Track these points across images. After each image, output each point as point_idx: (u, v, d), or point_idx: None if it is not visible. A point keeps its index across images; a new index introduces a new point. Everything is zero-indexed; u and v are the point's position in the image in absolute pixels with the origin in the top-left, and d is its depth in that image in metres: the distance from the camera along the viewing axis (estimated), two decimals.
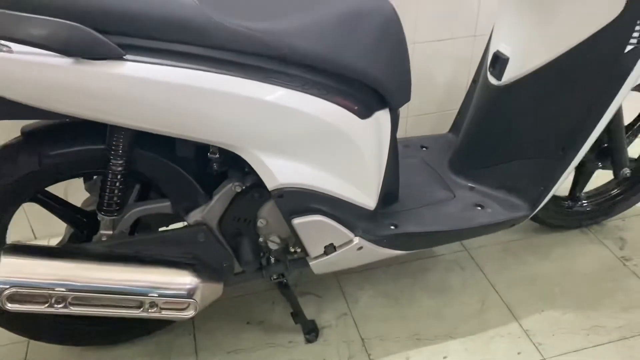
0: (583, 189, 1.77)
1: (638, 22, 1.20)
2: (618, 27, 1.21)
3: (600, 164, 1.67)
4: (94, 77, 0.93)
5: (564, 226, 1.83)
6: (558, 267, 1.71)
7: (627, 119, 1.67)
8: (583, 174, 1.72)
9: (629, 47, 1.23)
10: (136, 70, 0.95)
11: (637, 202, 1.82)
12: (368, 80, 1.15)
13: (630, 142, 1.68)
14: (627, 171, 1.61)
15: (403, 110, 1.93)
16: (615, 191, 1.81)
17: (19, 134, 1.13)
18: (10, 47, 0.89)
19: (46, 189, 1.23)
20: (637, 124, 1.67)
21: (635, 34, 1.22)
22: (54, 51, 0.90)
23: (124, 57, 0.94)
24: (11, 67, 0.89)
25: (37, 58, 0.90)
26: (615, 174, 1.64)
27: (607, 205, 1.81)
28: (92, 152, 1.13)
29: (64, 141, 1.13)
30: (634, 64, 1.25)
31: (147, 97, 0.97)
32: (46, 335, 1.36)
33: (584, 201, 1.80)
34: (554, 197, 1.75)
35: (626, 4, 1.17)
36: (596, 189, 1.82)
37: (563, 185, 1.68)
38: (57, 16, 0.89)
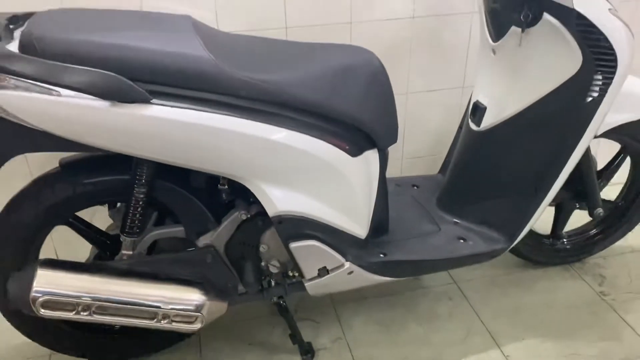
0: (563, 227, 1.91)
1: (595, 77, 1.37)
2: (577, 81, 1.38)
3: (577, 205, 1.82)
4: (126, 117, 1.11)
5: (547, 262, 1.96)
6: (540, 299, 1.83)
7: (601, 164, 1.84)
8: (562, 213, 1.86)
9: (588, 99, 1.40)
10: (161, 112, 1.13)
11: (614, 242, 1.95)
12: (358, 124, 1.33)
13: (604, 185, 1.83)
14: (600, 211, 1.76)
15: (399, 152, 2.12)
16: (593, 231, 1.95)
17: (57, 165, 1.33)
18: (59, 92, 1.08)
19: (76, 213, 1.40)
20: (609, 169, 1.83)
21: (594, 87, 1.39)
22: (95, 95, 1.08)
23: (151, 101, 1.13)
24: (60, 108, 1.08)
25: (80, 101, 1.08)
26: (590, 213, 1.79)
27: (586, 244, 1.95)
28: (118, 182, 1.32)
29: (95, 172, 1.31)
30: (594, 113, 1.41)
31: (169, 135, 1.15)
32: (67, 347, 1.51)
33: (564, 239, 1.93)
34: (537, 235, 1.90)
35: (582, 62, 1.35)
36: (576, 229, 1.96)
37: (546, 224, 1.84)
38: (97, 67, 1.09)
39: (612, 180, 1.86)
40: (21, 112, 1.08)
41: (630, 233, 2.00)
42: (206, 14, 1.72)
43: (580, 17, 1.30)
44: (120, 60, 1.11)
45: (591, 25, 1.31)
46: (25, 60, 1.07)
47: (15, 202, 1.29)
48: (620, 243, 1.99)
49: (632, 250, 2.05)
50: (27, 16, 1.22)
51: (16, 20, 1.21)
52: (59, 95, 1.08)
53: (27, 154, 1.56)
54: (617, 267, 1.97)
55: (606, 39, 1.32)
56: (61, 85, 1.07)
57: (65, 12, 1.27)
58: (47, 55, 1.08)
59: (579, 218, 1.91)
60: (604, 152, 1.87)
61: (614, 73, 1.37)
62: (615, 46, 1.33)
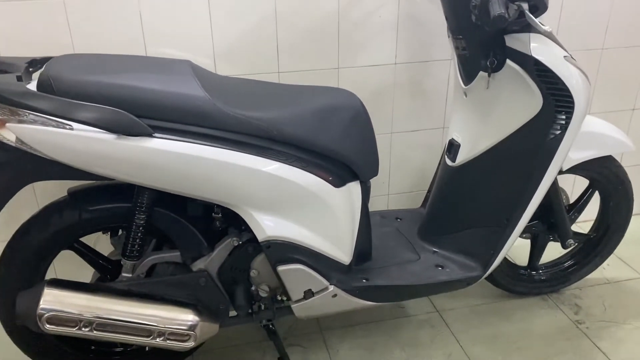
0: (539, 259, 2.01)
1: (555, 116, 1.51)
2: (539, 120, 1.52)
3: (551, 237, 1.94)
4: (130, 148, 1.24)
5: (525, 293, 2.06)
6: (518, 327, 1.92)
7: (573, 198, 1.97)
8: (537, 245, 1.98)
9: (550, 136, 1.54)
10: (161, 145, 1.27)
11: (588, 273, 2.06)
12: (340, 157, 1.46)
13: (575, 218, 1.96)
14: (571, 242, 1.88)
15: (385, 188, 2.25)
16: (568, 263, 2.06)
17: (65, 194, 1.45)
18: (72, 126, 1.21)
19: (81, 239, 1.52)
20: (580, 203, 1.95)
21: (555, 126, 1.53)
22: (103, 129, 1.22)
23: (153, 135, 1.26)
24: (72, 140, 1.21)
25: (90, 134, 1.22)
26: (562, 244, 1.90)
27: (562, 275, 2.05)
28: (121, 209, 1.43)
29: (99, 200, 1.44)
30: (556, 149, 1.55)
31: (169, 165, 1.28)
32: None
33: (541, 271, 2.04)
34: (515, 266, 2.01)
35: (543, 103, 1.50)
36: (552, 261, 2.07)
37: (523, 256, 1.95)
38: (106, 104, 1.23)
39: (588, 217, 2.00)
40: (37, 144, 1.21)
41: (605, 266, 2.12)
42: (205, 60, 1.88)
43: (538, 63, 1.45)
44: (127, 98, 1.25)
45: (548, 70, 1.46)
46: (43, 97, 1.21)
47: (26, 227, 1.41)
48: (595, 275, 2.11)
49: (606, 281, 2.15)
50: (44, 60, 1.37)
51: (35, 63, 1.36)
52: (72, 128, 1.21)
53: (35, 184, 1.68)
54: (592, 297, 2.07)
55: (563, 83, 1.47)
56: (74, 120, 1.21)
57: (78, 57, 1.43)
58: (62, 93, 1.23)
59: (555, 251, 2.02)
60: (578, 187, 2.00)
61: (572, 113, 1.51)
62: (571, 89, 1.48)
